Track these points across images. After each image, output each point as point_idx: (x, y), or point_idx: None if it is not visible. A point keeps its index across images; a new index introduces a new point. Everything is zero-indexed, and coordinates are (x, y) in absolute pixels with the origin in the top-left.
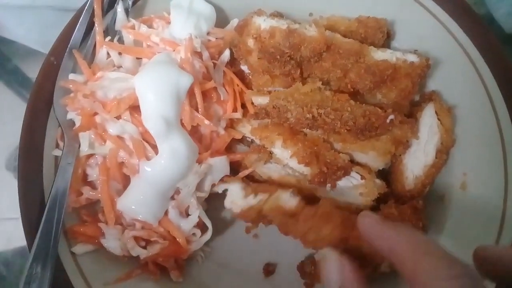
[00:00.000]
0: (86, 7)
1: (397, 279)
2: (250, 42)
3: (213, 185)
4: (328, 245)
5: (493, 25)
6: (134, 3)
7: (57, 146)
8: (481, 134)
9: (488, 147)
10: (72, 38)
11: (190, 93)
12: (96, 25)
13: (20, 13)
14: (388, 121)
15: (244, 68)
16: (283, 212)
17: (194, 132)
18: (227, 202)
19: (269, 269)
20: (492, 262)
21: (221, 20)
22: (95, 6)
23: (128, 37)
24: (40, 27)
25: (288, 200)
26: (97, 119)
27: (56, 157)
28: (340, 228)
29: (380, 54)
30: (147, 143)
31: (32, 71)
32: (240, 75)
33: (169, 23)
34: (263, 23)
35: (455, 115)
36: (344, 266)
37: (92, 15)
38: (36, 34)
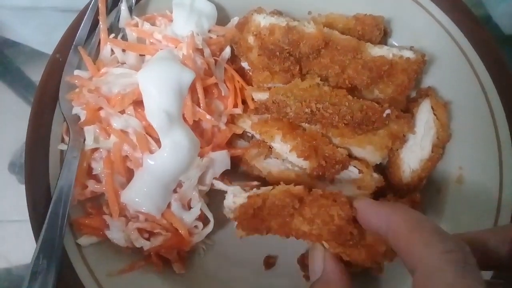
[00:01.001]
0: (90, 6)
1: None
2: (250, 39)
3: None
4: (334, 231)
5: (491, 27)
6: (137, 2)
7: (63, 140)
8: (476, 129)
9: (484, 141)
10: (77, 36)
11: (192, 88)
12: (100, 23)
13: (25, 15)
14: (384, 115)
15: (244, 65)
16: (290, 195)
17: (196, 127)
18: (228, 201)
19: (269, 262)
20: (477, 248)
21: (223, 19)
22: (100, 5)
23: (131, 34)
24: (44, 29)
25: (294, 187)
26: (102, 113)
27: (62, 151)
28: (346, 208)
29: (377, 50)
30: (150, 137)
31: (36, 73)
32: (241, 71)
33: (171, 21)
34: (263, 21)
35: (451, 111)
36: (327, 254)
37: (97, 14)
38: (40, 36)
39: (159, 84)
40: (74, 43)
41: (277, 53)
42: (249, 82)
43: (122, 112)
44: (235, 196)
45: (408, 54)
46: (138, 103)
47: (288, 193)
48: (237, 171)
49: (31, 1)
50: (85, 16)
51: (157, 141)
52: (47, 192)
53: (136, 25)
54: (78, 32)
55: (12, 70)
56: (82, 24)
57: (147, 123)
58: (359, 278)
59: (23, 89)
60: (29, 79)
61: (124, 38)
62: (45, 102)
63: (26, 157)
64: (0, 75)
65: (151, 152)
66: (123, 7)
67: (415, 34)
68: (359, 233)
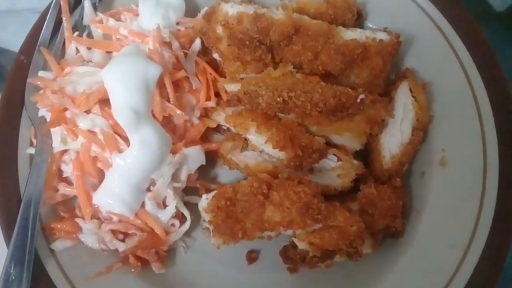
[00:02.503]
0: (52, 4)
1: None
2: (219, 29)
3: (190, 175)
4: (302, 207)
5: (482, 3)
6: None
7: (32, 144)
8: (458, 109)
9: (466, 122)
10: (40, 36)
11: (161, 83)
12: (64, 21)
13: (3, 18)
14: (358, 100)
15: (216, 56)
16: (258, 179)
17: (167, 123)
18: (202, 202)
19: (251, 256)
20: None
21: (193, 9)
22: (62, 3)
23: (97, 31)
24: (23, 31)
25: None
26: (68, 114)
27: (32, 155)
28: (311, 185)
29: (349, 34)
30: (118, 136)
31: None
32: (214, 63)
33: (137, 15)
34: (231, 9)
35: (432, 92)
36: None
37: (60, 12)
38: (20, 39)
39: (124, 81)
40: (38, 43)
41: (247, 42)
42: (222, 74)
43: (88, 111)
44: (207, 199)
45: (381, 35)
46: (105, 102)
47: (256, 178)
48: (214, 166)
49: (7, 3)
50: (48, 16)
51: (126, 140)
52: (18, 197)
53: (101, 21)
54: (42, 32)
55: None
56: (45, 24)
57: (115, 121)
58: (342, 268)
59: None
60: None
61: (90, 36)
62: (12, 106)
63: None
64: None
65: (120, 151)
66: (87, 3)
67: (391, 15)
68: (327, 210)
